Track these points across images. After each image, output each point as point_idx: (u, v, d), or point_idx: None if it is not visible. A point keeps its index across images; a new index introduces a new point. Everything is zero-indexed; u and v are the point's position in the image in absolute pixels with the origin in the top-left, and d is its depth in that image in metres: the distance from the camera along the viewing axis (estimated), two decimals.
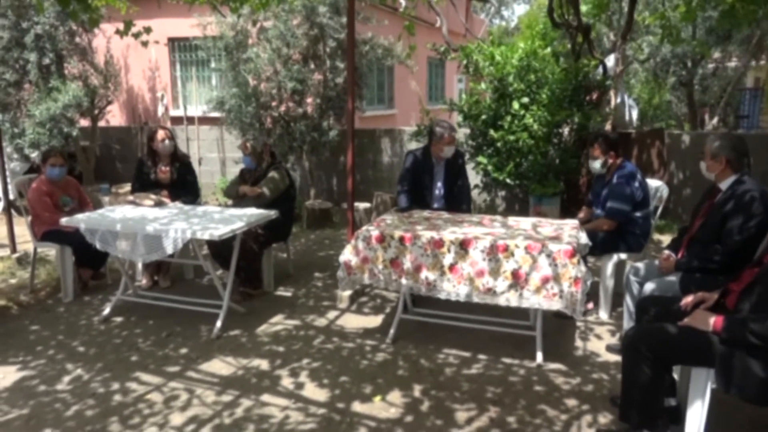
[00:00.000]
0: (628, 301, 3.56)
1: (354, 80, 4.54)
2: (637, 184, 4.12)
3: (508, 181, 6.40)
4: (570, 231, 3.65)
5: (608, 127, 7.07)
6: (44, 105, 7.58)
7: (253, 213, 4.26)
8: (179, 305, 4.27)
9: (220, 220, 4.03)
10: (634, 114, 7.70)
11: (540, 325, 3.60)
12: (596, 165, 4.29)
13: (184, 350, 3.73)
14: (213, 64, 8.36)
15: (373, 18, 7.54)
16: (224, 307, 4.06)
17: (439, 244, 3.46)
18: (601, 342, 3.82)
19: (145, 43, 6.53)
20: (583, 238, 3.72)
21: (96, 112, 8.66)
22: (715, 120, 10.79)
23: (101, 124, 9.19)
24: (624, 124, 7.45)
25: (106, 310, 4.26)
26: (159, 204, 4.52)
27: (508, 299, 3.36)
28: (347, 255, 3.69)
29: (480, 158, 6.52)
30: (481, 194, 7.21)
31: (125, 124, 10.23)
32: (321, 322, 4.20)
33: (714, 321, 2.43)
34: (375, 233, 3.60)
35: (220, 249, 4.50)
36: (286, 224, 4.92)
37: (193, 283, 5.07)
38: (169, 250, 3.74)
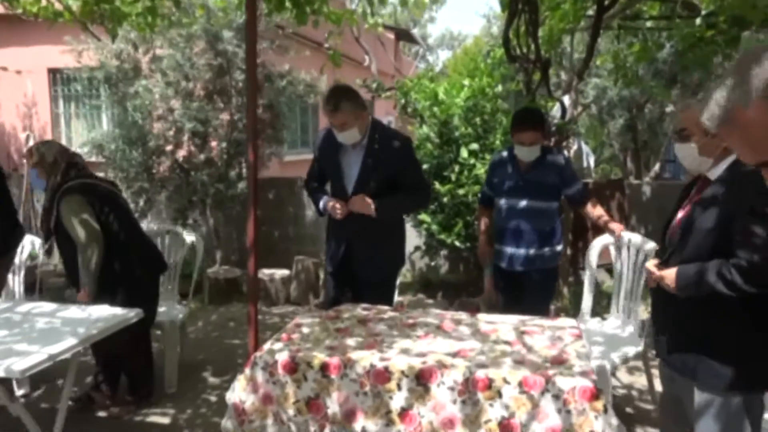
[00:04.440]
0: None
1: (255, 124, 3.29)
2: None
3: (456, 243, 5.29)
4: (574, 344, 2.48)
5: None
6: None
7: (100, 316, 2.82)
8: None
9: (40, 335, 2.59)
10: (591, 161, 6.89)
11: None
12: (535, 152, 3.45)
13: None
14: (94, 100, 6.88)
15: (291, 48, 6.38)
16: None
17: (383, 377, 2.20)
18: None
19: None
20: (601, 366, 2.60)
21: None
22: (657, 166, 10.34)
23: None
24: (582, 173, 6.60)
25: None
26: None
27: None
28: (238, 392, 2.37)
29: (422, 216, 5.38)
30: (423, 258, 6.07)
31: None
32: None
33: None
34: (283, 358, 2.30)
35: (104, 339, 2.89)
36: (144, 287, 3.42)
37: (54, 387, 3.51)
38: None
